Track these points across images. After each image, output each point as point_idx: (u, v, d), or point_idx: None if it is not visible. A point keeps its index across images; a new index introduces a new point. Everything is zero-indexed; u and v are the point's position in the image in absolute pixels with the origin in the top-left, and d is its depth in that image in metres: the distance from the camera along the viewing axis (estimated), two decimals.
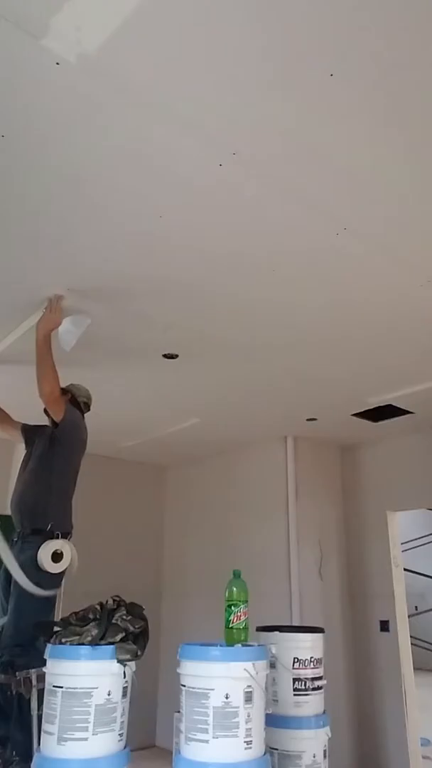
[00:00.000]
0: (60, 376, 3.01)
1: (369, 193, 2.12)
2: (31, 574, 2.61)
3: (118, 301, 2.87)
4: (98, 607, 2.14)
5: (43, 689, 2.40)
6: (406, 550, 6.94)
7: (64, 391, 3.13)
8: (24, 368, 3.50)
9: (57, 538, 2.69)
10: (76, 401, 3.15)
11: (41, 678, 2.38)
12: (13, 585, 2.68)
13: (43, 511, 2.77)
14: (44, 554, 2.62)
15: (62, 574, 2.71)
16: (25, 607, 2.62)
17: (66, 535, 2.76)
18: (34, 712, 2.37)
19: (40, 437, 2.98)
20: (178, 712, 1.95)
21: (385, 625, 4.83)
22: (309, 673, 2.39)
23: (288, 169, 2.00)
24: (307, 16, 1.48)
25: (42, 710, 2.34)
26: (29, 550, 2.66)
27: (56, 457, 2.89)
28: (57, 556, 2.64)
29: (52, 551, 2.63)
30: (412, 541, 9.95)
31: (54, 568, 2.63)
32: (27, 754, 2.36)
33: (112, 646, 1.97)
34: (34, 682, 2.39)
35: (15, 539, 2.77)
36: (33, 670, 2.40)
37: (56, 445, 2.90)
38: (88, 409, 3.24)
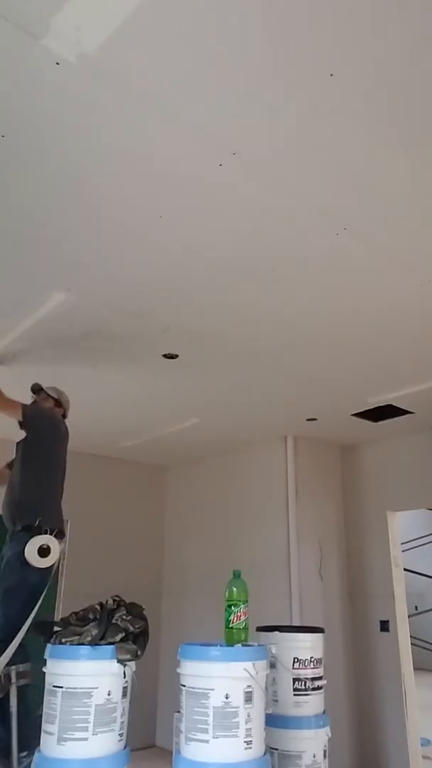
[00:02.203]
0: (61, 376, 3.02)
1: (369, 193, 2.12)
2: (16, 570, 2.63)
3: (118, 301, 2.86)
4: (98, 607, 2.15)
5: (23, 686, 2.42)
6: (406, 550, 6.95)
7: (50, 396, 3.21)
8: (21, 369, 3.51)
9: (46, 533, 2.70)
10: (61, 405, 3.24)
11: (21, 675, 2.39)
12: None
13: (31, 507, 2.79)
14: (31, 549, 2.63)
15: (51, 569, 2.72)
16: (9, 602, 2.63)
17: (55, 530, 2.76)
18: (14, 709, 2.38)
19: (19, 444, 3.04)
20: (178, 712, 1.96)
21: (385, 625, 4.83)
22: (309, 673, 2.39)
23: (288, 169, 2.00)
24: (307, 16, 1.48)
25: (21, 707, 2.36)
26: (17, 547, 2.68)
27: (29, 448, 2.94)
28: (44, 551, 2.65)
29: (38, 546, 2.65)
30: (412, 541, 9.96)
31: (41, 563, 2.64)
32: (6, 750, 2.36)
33: (112, 646, 1.97)
34: (13, 679, 2.39)
35: (9, 539, 2.80)
36: (13, 667, 2.40)
37: (27, 439, 2.95)
38: (65, 416, 3.31)
